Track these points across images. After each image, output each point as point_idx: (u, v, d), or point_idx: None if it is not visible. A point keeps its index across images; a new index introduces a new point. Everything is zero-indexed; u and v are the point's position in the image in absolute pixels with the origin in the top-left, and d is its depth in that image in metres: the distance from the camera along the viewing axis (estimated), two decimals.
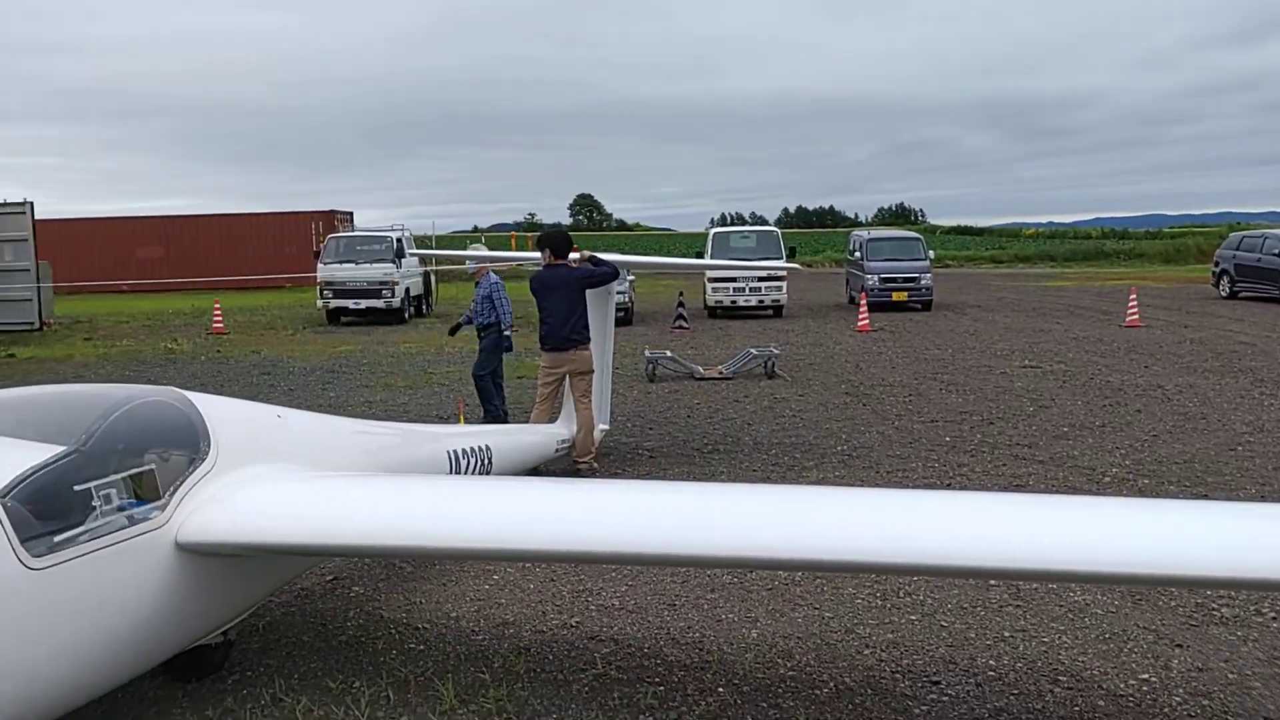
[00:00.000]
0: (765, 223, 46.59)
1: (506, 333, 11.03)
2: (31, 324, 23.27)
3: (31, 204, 23.40)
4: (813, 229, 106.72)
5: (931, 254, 27.81)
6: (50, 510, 3.94)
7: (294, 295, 34.84)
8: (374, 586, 6.18)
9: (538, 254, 9.30)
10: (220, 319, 23.87)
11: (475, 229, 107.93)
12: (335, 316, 24.98)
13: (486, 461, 7.02)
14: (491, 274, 11.29)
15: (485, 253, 12.77)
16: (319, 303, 25.32)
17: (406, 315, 25.45)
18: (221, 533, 4.30)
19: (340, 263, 24.90)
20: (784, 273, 24.47)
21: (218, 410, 4.84)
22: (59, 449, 4.41)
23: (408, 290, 25.73)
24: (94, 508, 3.99)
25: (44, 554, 3.68)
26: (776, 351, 15.11)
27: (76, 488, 4.01)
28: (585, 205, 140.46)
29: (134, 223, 43.43)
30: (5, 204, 23.36)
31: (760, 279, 24.17)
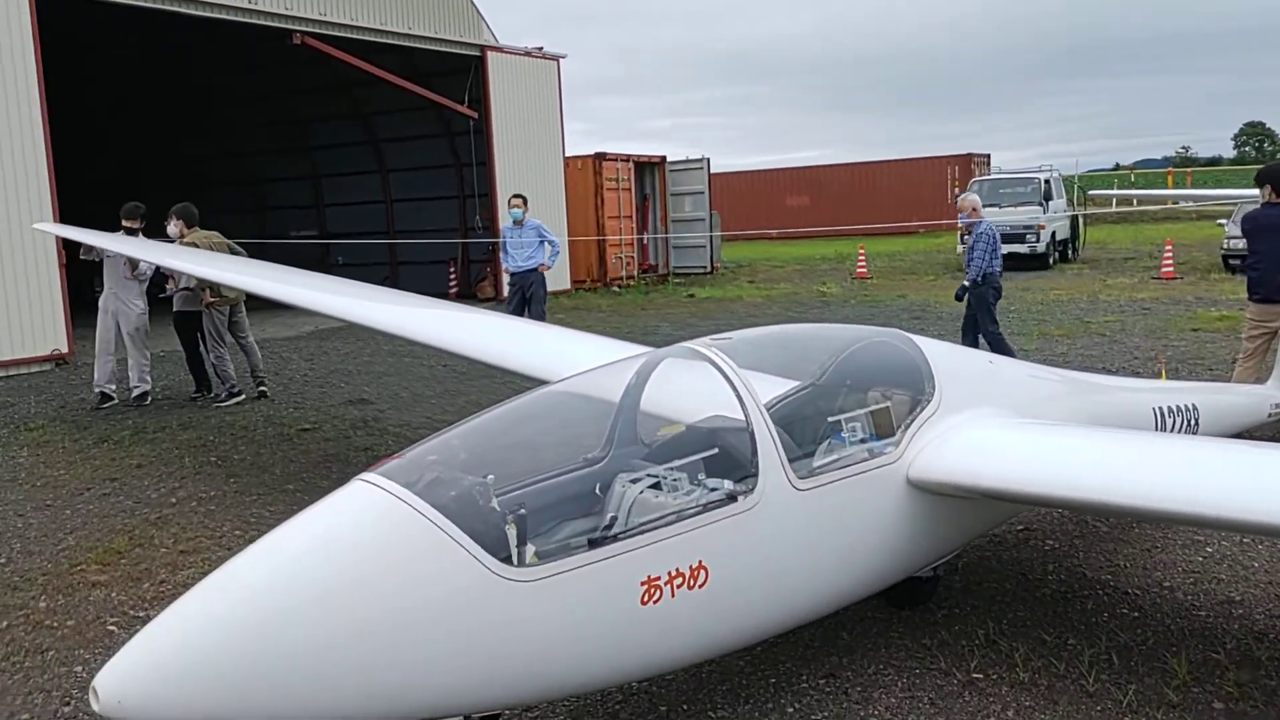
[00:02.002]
0: None
1: (965, 283, 10.39)
2: (705, 268, 26.40)
3: (708, 159, 26.38)
4: None
5: None
6: (806, 437, 4.34)
7: (929, 241, 35.18)
8: (1069, 543, 5.95)
9: (1220, 191, 8.20)
10: (864, 264, 24.91)
11: (1117, 166, 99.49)
12: None
13: (1193, 422, 6.38)
14: (983, 222, 10.47)
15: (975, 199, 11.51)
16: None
17: (1051, 261, 24.30)
18: (946, 473, 4.39)
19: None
20: None
21: (938, 353, 4.95)
22: (796, 383, 4.85)
23: (1053, 235, 24.55)
24: (843, 439, 4.31)
25: (805, 476, 4.05)
26: None
27: (829, 419, 4.37)
28: (1254, 135, 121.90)
29: (782, 174, 47.08)
30: (687, 160, 26.61)
31: None
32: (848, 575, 4.29)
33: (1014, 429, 4.75)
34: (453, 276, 23.49)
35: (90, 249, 10.47)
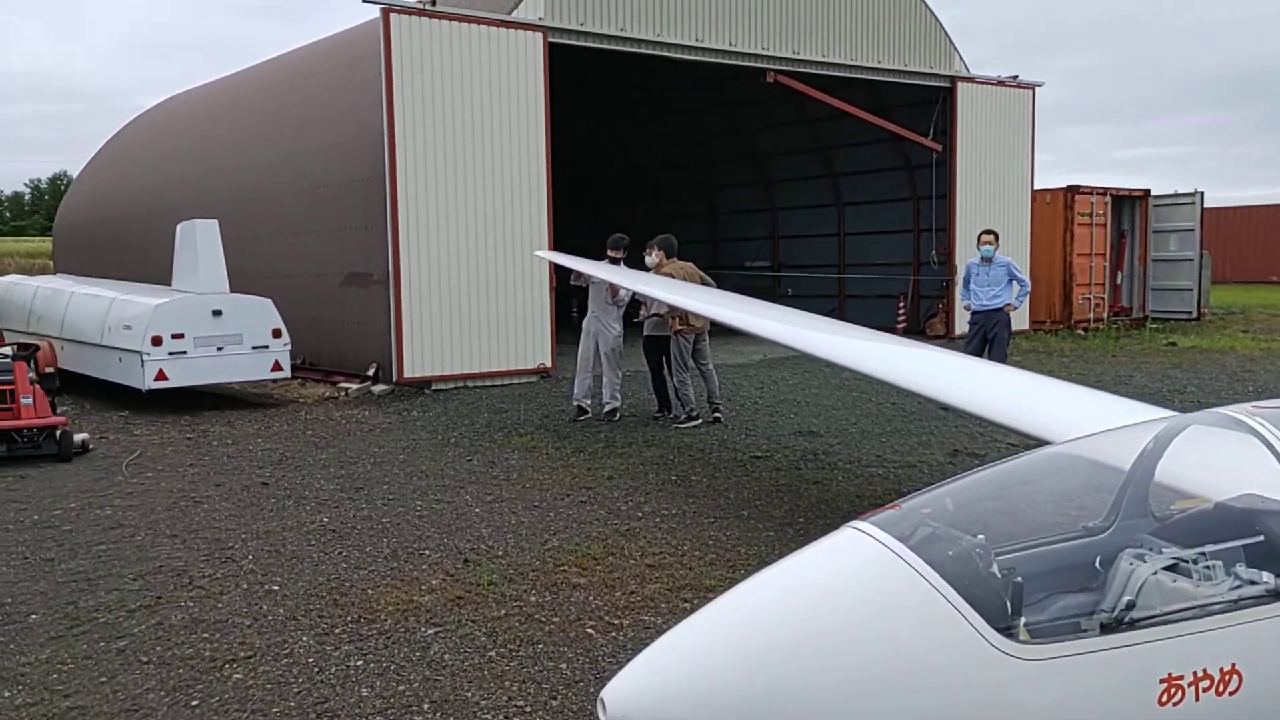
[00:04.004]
0: None
1: None
2: (1189, 313, 23.65)
3: (1201, 194, 23.63)
4: None
5: None
6: None
7: None
8: None
9: None
10: None
11: None
12: None
13: None
14: None
15: None
16: None
17: None
18: None
19: None
20: None
21: None
22: None
23: None
24: None
25: None
26: None
27: None
28: None
29: None
30: (1176, 194, 24.04)
31: None
32: None
33: None
34: (901, 311, 23.07)
35: (580, 275, 11.50)
